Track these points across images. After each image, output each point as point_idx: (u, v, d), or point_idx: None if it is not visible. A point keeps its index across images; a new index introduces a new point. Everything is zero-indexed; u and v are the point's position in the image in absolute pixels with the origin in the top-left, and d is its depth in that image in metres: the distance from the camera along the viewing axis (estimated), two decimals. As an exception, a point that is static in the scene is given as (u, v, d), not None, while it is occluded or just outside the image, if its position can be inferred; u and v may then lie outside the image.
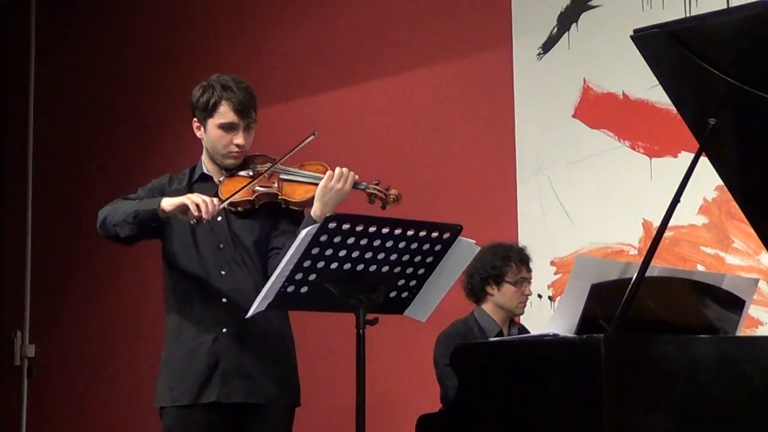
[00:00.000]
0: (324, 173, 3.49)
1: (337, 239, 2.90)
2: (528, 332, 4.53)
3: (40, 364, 6.94)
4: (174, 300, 3.60)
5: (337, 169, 3.47)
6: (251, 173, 3.56)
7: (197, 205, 3.32)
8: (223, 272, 3.52)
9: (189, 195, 3.39)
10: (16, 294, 7.05)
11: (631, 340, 2.59)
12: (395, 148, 5.46)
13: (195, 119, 3.63)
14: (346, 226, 2.89)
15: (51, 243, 6.96)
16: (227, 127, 3.55)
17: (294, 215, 3.57)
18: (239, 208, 3.55)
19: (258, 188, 3.53)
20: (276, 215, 3.57)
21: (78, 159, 6.90)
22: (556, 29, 4.98)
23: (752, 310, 4.02)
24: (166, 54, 6.51)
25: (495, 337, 4.33)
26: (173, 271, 3.60)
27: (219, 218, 3.55)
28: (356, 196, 3.50)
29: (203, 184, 3.64)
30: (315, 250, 2.90)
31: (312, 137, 3.55)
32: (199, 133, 3.64)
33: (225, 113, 3.55)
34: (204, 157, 3.66)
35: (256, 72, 5.52)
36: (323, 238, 2.88)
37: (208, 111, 3.56)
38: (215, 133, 3.57)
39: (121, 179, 6.59)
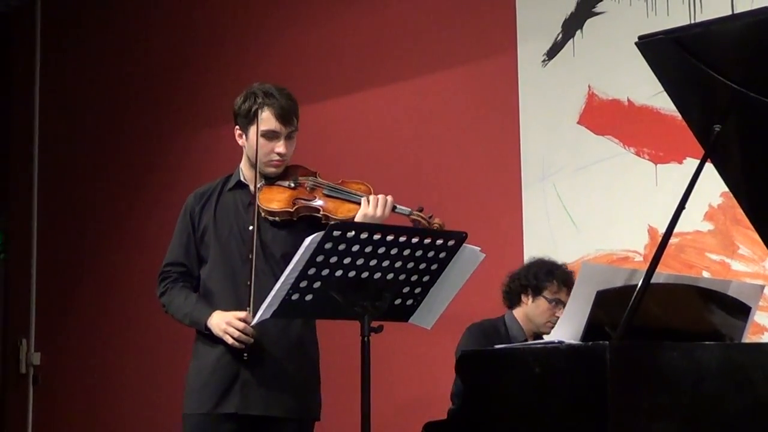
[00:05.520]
0: (366, 192, 3.49)
1: (341, 247, 2.89)
2: None
3: (46, 372, 6.94)
4: None
5: (372, 197, 3.46)
6: (292, 184, 3.55)
7: (236, 340, 3.45)
8: (249, 283, 3.50)
9: (225, 330, 3.46)
10: (22, 302, 7.05)
11: (637, 346, 2.58)
12: (400, 155, 5.45)
13: (237, 127, 3.64)
14: (350, 234, 2.89)
15: (57, 250, 6.96)
16: (269, 135, 3.55)
17: None
18: (276, 218, 3.54)
19: (300, 200, 3.52)
20: (314, 229, 3.54)
21: (84, 166, 6.90)
22: (560, 36, 4.98)
23: (758, 317, 4.02)
24: (173, 59, 6.51)
25: None
26: (202, 279, 3.63)
27: (250, 227, 3.55)
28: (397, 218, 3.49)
29: (238, 191, 3.65)
30: (319, 258, 2.90)
31: None
32: (240, 141, 3.64)
33: (267, 120, 3.54)
34: (243, 165, 3.67)
35: (264, 78, 5.51)
36: (327, 245, 2.88)
37: (250, 118, 3.57)
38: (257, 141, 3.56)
39: (128, 187, 6.61)
